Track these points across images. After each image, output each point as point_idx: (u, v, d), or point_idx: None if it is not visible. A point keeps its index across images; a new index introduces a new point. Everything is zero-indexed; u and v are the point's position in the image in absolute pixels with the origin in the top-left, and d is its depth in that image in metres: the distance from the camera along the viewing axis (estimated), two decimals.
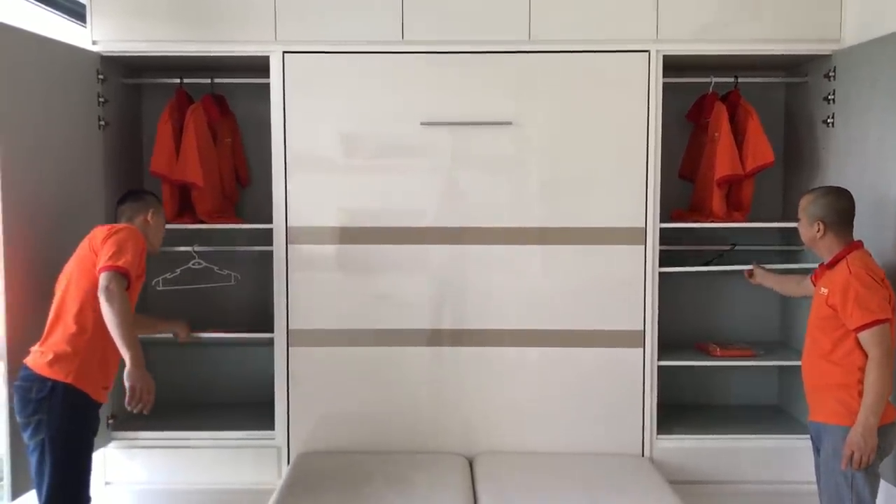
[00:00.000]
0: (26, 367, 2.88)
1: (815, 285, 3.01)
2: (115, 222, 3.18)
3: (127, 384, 2.81)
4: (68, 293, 2.93)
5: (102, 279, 2.82)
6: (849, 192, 2.97)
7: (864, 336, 2.74)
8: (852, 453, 2.73)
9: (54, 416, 2.81)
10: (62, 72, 3.36)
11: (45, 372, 2.83)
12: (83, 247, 3.01)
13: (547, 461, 3.52)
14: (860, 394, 2.76)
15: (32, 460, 2.83)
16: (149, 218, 3.20)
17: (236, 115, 4.02)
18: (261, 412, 3.75)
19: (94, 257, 2.91)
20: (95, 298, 2.83)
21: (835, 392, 2.83)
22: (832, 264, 2.90)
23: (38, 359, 2.88)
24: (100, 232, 2.99)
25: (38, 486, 2.82)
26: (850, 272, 2.80)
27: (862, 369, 2.76)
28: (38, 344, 2.93)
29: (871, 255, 2.91)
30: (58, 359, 2.84)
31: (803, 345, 3.03)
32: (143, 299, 4.08)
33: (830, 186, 3.04)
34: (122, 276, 2.84)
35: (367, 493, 3.16)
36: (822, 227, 2.90)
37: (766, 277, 3.56)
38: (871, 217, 3.27)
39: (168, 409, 3.77)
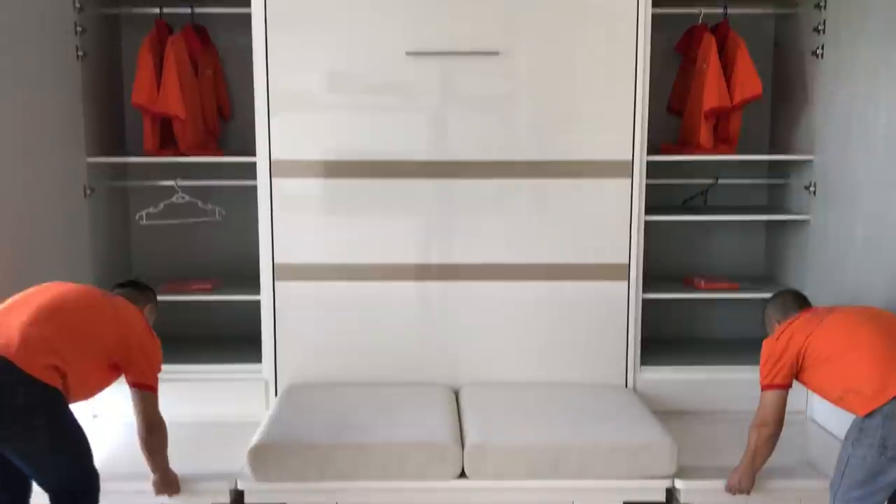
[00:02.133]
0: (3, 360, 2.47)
1: None
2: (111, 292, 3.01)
3: (155, 491, 2.94)
4: (79, 333, 2.66)
5: (142, 402, 2.81)
6: (788, 290, 3.26)
7: (761, 396, 2.89)
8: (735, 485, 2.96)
9: (52, 420, 2.55)
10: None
11: (37, 373, 2.50)
12: (104, 310, 2.78)
13: (532, 391, 3.56)
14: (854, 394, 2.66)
15: (32, 458, 2.57)
16: (145, 311, 3.03)
17: (217, 46, 3.94)
18: (249, 346, 3.75)
19: (117, 338, 2.75)
20: (105, 379, 2.81)
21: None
22: None
23: (20, 351, 2.49)
24: (134, 321, 2.85)
25: (56, 473, 2.63)
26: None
27: (848, 389, 2.67)
28: (20, 332, 2.52)
29: (802, 318, 2.88)
30: (51, 367, 2.54)
31: None
32: (126, 235, 4.07)
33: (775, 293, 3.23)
34: (156, 396, 2.86)
35: (354, 422, 3.18)
36: (776, 322, 3.01)
37: None
38: (860, 145, 3.28)
39: None
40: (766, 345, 2.91)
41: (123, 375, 2.83)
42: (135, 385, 2.83)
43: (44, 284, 2.79)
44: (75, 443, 2.66)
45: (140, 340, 2.85)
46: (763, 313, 3.19)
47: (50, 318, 2.61)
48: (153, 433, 2.87)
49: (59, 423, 2.59)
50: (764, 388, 2.87)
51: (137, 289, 3.11)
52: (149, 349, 2.88)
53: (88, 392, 2.78)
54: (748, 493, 2.96)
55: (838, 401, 2.73)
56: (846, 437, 2.70)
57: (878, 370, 2.58)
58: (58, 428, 2.58)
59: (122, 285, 3.12)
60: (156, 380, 2.88)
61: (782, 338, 2.85)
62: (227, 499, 3.04)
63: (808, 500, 3.03)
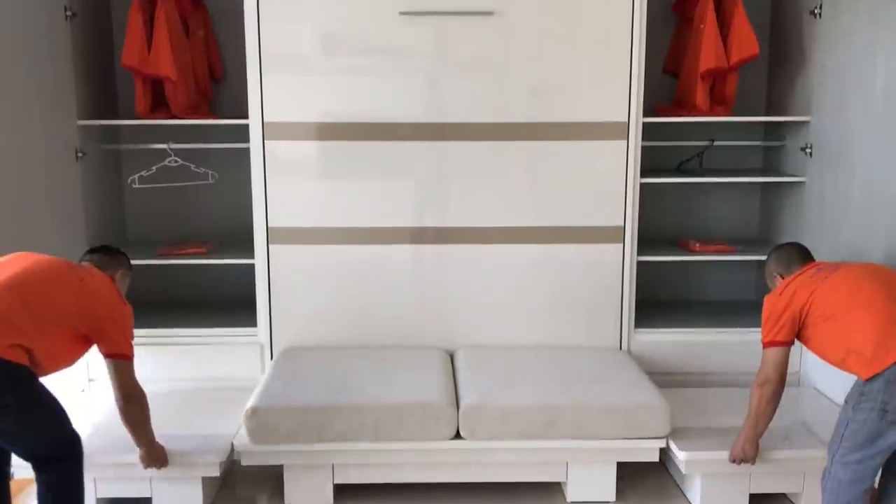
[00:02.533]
0: None
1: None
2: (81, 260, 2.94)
3: (143, 465, 2.88)
4: (45, 301, 2.58)
5: (117, 371, 2.73)
6: (790, 242, 3.15)
7: (763, 353, 2.84)
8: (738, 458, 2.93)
9: (21, 398, 2.49)
10: None
11: (0, 353, 2.44)
12: (68, 281, 2.67)
13: (526, 354, 3.57)
14: (856, 356, 2.63)
15: (5, 434, 2.55)
16: (116, 277, 2.93)
17: (208, 6, 3.89)
18: (244, 310, 3.75)
19: (83, 309, 2.66)
20: (77, 351, 2.72)
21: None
22: None
23: None
24: (102, 289, 2.76)
25: (32, 447, 2.61)
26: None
27: (850, 350, 2.63)
28: None
29: (806, 273, 2.83)
30: (14, 345, 2.48)
31: None
32: (119, 198, 4.05)
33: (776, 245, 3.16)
34: (132, 364, 2.77)
35: (350, 385, 3.20)
36: (778, 277, 2.96)
37: None
38: (857, 106, 3.26)
39: (151, 307, 3.76)
40: (768, 301, 2.85)
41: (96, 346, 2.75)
42: (109, 355, 2.73)
43: (10, 256, 2.71)
44: (48, 416, 2.61)
45: (109, 308, 2.74)
46: (763, 268, 3.12)
47: (10, 293, 2.52)
48: (131, 402, 2.78)
49: (28, 399, 2.53)
50: (765, 345, 2.82)
51: (108, 254, 2.97)
52: (119, 317, 2.77)
53: (62, 364, 2.71)
54: (753, 462, 2.92)
55: (841, 363, 2.69)
56: (846, 401, 2.68)
57: (879, 326, 2.55)
58: (28, 405, 2.52)
59: (93, 251, 3.00)
60: (130, 347, 2.78)
61: (785, 293, 2.79)
62: (224, 460, 3.04)
63: (810, 469, 3.01)
